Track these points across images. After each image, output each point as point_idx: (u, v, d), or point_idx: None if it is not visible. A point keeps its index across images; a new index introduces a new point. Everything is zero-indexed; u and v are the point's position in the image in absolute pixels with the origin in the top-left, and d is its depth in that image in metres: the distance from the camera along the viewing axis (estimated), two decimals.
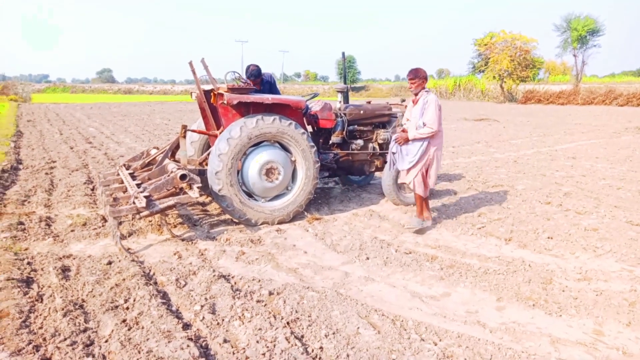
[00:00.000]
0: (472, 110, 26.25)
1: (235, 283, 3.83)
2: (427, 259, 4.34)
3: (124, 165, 6.07)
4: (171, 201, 4.60)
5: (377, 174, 7.38)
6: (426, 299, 3.56)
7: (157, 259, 4.33)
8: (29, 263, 4.12)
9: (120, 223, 4.91)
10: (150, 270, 4.05)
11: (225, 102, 4.98)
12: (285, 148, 5.42)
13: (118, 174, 5.85)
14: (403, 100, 6.78)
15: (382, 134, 6.48)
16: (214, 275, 3.83)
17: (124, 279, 3.72)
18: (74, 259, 4.28)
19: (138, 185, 4.94)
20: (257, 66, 5.88)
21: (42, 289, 3.63)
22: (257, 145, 5.26)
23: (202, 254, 4.49)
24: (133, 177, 5.50)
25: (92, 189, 6.94)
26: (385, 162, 6.43)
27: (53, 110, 26.74)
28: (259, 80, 5.97)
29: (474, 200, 6.44)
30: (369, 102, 6.59)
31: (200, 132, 5.87)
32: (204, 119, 5.96)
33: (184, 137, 5.51)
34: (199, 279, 3.83)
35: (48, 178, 7.83)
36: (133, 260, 4.19)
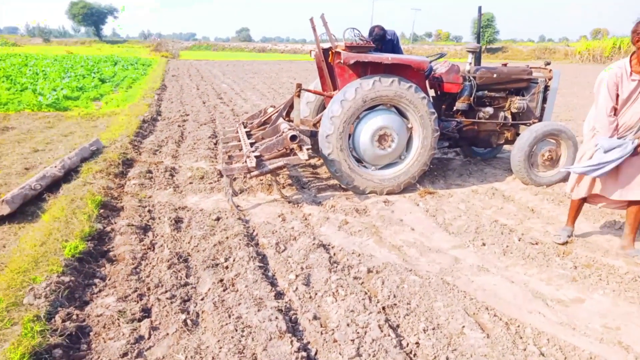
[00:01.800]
0: None
1: (334, 254, 3.65)
2: (557, 253, 3.69)
3: (243, 123, 6.18)
4: (281, 162, 4.53)
5: (505, 147, 6.58)
6: (552, 303, 3.00)
7: (262, 219, 4.33)
8: (149, 211, 4.40)
9: (234, 180, 5.01)
10: (253, 231, 4.05)
11: (342, 61, 4.68)
12: (402, 113, 4.99)
13: (237, 132, 5.98)
14: (548, 64, 5.81)
15: (517, 102, 5.66)
16: (314, 244, 3.69)
17: (227, 237, 3.77)
18: (188, 211, 4.47)
19: (252, 145, 4.96)
20: (382, 28, 5.43)
21: (155, 237, 3.84)
22: (372, 108, 4.92)
23: (306, 219, 4.39)
24: (249, 135, 5.56)
25: (215, 144, 7.27)
26: (517, 134, 5.66)
27: (195, 67, 29.08)
28: (381, 43, 5.53)
29: None
30: (504, 65, 5.76)
31: (315, 92, 5.68)
32: (320, 79, 5.75)
33: (299, 96, 5.38)
34: (299, 245, 3.72)
35: (179, 130, 8.42)
36: (240, 219, 4.23)
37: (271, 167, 4.50)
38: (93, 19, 78.73)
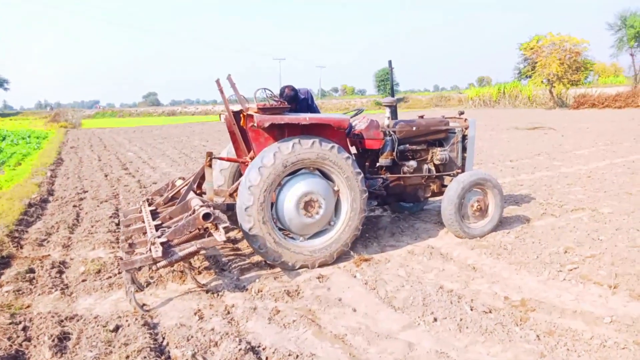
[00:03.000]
0: (522, 118, 24.61)
1: (266, 359, 2.98)
2: (514, 320, 3.33)
3: (148, 199, 5.39)
4: (193, 246, 3.83)
5: (432, 198, 6.40)
6: None
7: (175, 320, 3.55)
8: (24, 329, 3.43)
9: (140, 271, 4.17)
10: (163, 340, 3.26)
11: (256, 124, 4.21)
12: (327, 176, 4.57)
13: (140, 211, 5.18)
14: (462, 113, 5.81)
15: (439, 153, 5.52)
16: (241, 348, 3.00)
17: (127, 357, 2.94)
18: (78, 321, 3.56)
19: (157, 227, 4.22)
20: (293, 88, 5.09)
21: None
22: (293, 173, 4.44)
23: (229, 312, 3.68)
24: (155, 214, 4.80)
25: (117, 224, 6.32)
26: (443, 186, 5.48)
27: (98, 136, 27.24)
28: (294, 105, 5.18)
29: (554, 229, 5.34)
30: (421, 117, 5.66)
31: (229, 160, 5.13)
32: (233, 144, 5.21)
33: (210, 166, 4.78)
34: (222, 353, 3.00)
35: (75, 211, 7.33)
36: (145, 324, 3.42)
37: (182, 255, 3.78)
38: None
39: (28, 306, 3.90)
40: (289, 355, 2.98)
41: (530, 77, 36.43)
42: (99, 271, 4.52)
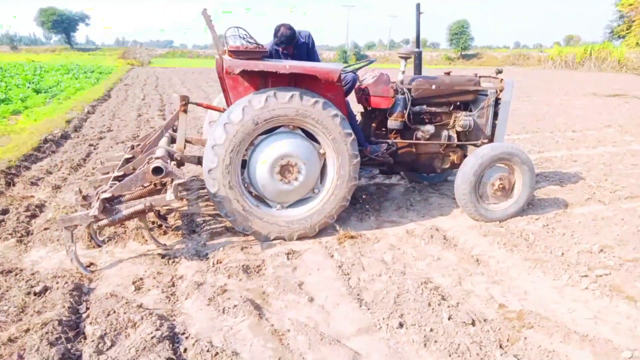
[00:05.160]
0: (606, 84, 21.90)
1: (181, 353, 2.52)
2: (499, 340, 2.61)
3: (132, 146, 5.01)
4: (141, 204, 3.38)
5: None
6: None
7: (111, 287, 3.17)
8: None
9: (85, 228, 3.79)
10: (87, 310, 2.88)
11: (224, 70, 3.58)
12: (312, 136, 3.90)
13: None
14: (499, 72, 4.79)
15: (462, 119, 4.63)
16: (155, 336, 2.55)
17: (27, 329, 2.59)
18: (15, 275, 3.28)
19: (117, 179, 3.81)
20: (291, 27, 4.30)
21: None
22: (270, 131, 3.81)
23: (172, 285, 3.25)
24: (129, 162, 4.40)
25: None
26: (466, 156, 4.63)
27: (158, 74, 27.64)
28: (291, 48, 4.43)
29: (596, 220, 4.38)
30: (447, 73, 4.73)
31: (207, 107, 4.57)
32: (223, 92, 4.61)
33: (185, 111, 4.26)
34: (135, 337, 2.57)
35: (88, 151, 7.20)
36: (75, 290, 3.06)
37: (126, 213, 3.35)
38: (63, 26, 75.99)
39: None
40: (208, 351, 2.49)
41: (624, 37, 32.28)
42: None
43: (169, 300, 3.06)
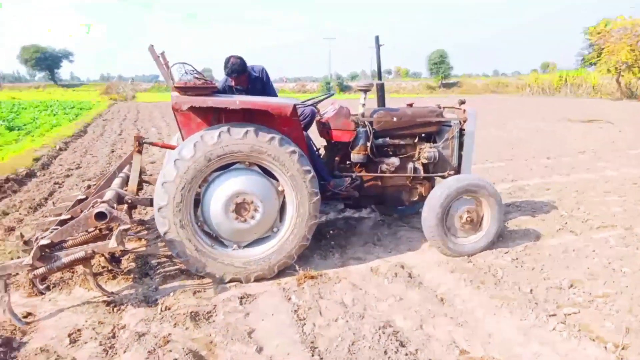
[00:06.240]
0: (580, 109, 22.32)
1: None
2: None
3: (89, 185, 4.82)
4: (82, 252, 3.17)
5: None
6: None
7: (44, 341, 2.92)
8: None
9: (25, 277, 3.53)
10: None
11: (172, 106, 3.45)
12: (271, 173, 3.76)
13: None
14: (462, 102, 4.75)
15: (427, 150, 4.54)
16: None
17: None
18: None
19: (61, 223, 3.59)
20: (240, 58, 4.24)
21: None
22: (225, 168, 3.66)
23: (113, 336, 3.00)
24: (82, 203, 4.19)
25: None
26: (433, 187, 4.51)
27: (140, 109, 27.52)
28: (245, 77, 4.34)
29: (566, 252, 4.26)
30: (410, 105, 4.67)
31: (163, 146, 4.43)
32: (179, 128, 4.47)
33: (140, 152, 4.10)
34: None
35: (50, 190, 6.95)
36: (4, 345, 2.81)
37: (66, 261, 3.13)
38: (47, 63, 76.17)
39: None
40: None
41: (595, 64, 33.31)
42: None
43: (106, 354, 2.81)
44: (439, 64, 60.01)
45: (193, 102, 3.39)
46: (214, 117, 3.69)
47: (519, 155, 9.56)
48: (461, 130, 4.62)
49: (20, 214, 5.67)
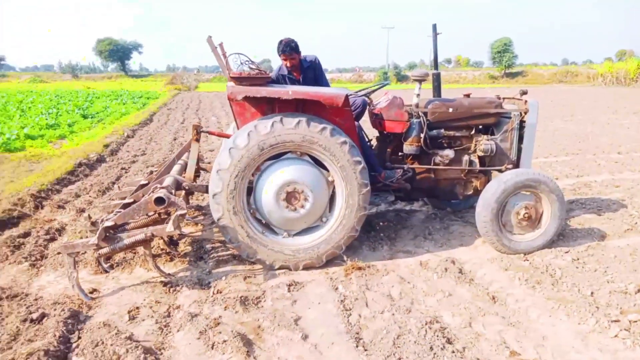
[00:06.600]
0: None
1: None
2: None
3: (152, 171, 5.08)
4: (142, 234, 3.36)
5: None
6: None
7: (108, 315, 3.14)
8: None
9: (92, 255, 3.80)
10: (78, 339, 2.84)
11: (227, 96, 3.55)
12: (321, 163, 3.78)
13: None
14: (524, 93, 4.51)
15: (484, 142, 4.38)
16: None
17: (12, 359, 2.56)
18: (18, 300, 3.31)
19: (125, 206, 3.82)
20: (293, 40, 4.24)
21: None
22: (277, 157, 3.73)
23: (168, 315, 3.17)
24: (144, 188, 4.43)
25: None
26: (489, 181, 4.35)
27: (201, 99, 28.55)
28: (297, 58, 4.29)
29: (634, 255, 3.96)
30: (467, 95, 4.51)
31: (219, 135, 4.56)
32: (234, 118, 4.60)
33: (197, 140, 4.26)
34: None
35: (118, 174, 7.39)
36: (70, 318, 3.04)
37: (128, 242, 3.33)
38: (118, 54, 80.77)
39: None
40: None
41: None
42: None
43: (161, 331, 2.98)
44: (503, 52, 57.32)
45: (247, 92, 3.46)
46: (268, 107, 3.76)
47: (586, 149, 8.98)
48: (521, 122, 4.41)
49: (90, 196, 6.08)
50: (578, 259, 3.90)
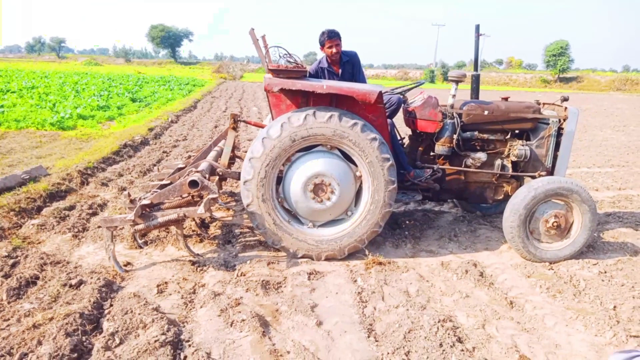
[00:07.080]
0: None
1: (184, 358, 2.59)
2: None
3: (189, 155, 5.31)
4: (174, 214, 3.56)
5: None
6: None
7: (138, 287, 3.36)
8: (13, 265, 3.57)
9: (123, 230, 4.05)
10: (110, 307, 3.07)
11: (264, 88, 3.69)
12: (350, 158, 3.87)
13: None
14: (565, 100, 4.42)
15: (518, 148, 4.32)
16: (159, 340, 2.64)
17: (51, 318, 2.80)
18: (62, 267, 3.59)
19: (162, 187, 4.05)
20: (335, 31, 4.31)
21: None
22: (307, 149, 3.84)
23: (194, 292, 3.36)
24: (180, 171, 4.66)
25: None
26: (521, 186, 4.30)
27: (245, 88, 29.14)
28: (341, 45, 4.34)
29: None
30: (505, 99, 4.46)
31: (255, 125, 4.71)
32: (269, 109, 4.74)
33: (235, 128, 4.43)
34: (142, 338, 2.69)
35: (159, 157, 7.74)
36: (105, 286, 3.28)
37: (161, 221, 3.54)
38: (170, 41, 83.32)
39: (39, 242, 4.10)
40: None
41: None
42: None
43: (186, 306, 3.16)
44: (558, 55, 55.16)
45: (283, 84, 3.59)
46: (303, 100, 3.87)
47: (633, 162, 8.61)
48: (559, 130, 4.32)
49: (132, 176, 6.42)
50: (605, 272, 3.81)
